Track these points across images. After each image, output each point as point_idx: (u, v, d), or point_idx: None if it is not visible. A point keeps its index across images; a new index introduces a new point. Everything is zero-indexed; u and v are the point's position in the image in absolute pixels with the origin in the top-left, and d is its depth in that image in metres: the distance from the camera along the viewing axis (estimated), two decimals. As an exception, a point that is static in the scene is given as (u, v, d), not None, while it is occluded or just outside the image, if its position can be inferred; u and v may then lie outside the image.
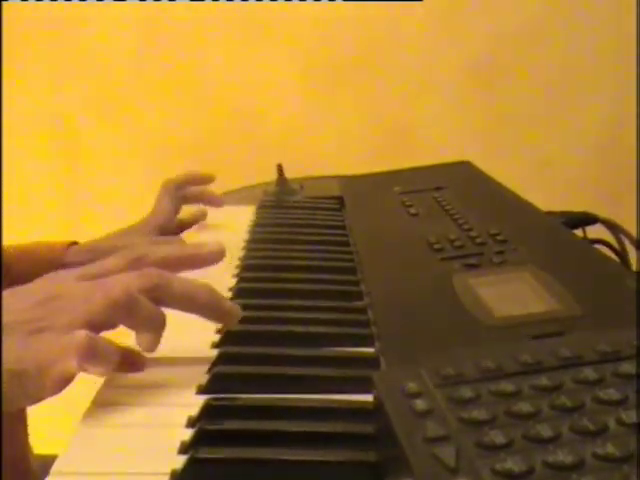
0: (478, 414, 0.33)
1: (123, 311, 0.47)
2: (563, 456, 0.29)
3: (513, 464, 0.29)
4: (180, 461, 0.41)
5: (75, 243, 0.92)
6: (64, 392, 0.46)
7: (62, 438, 0.51)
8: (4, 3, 1.64)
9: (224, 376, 0.51)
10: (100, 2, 1.67)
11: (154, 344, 0.50)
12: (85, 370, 0.45)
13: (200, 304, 0.51)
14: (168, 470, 0.41)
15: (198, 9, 1.66)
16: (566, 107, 1.68)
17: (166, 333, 0.59)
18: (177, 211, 0.97)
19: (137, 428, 0.46)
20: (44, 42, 1.73)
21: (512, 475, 0.29)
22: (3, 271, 0.77)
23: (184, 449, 0.43)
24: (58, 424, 0.85)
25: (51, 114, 1.77)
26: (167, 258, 0.54)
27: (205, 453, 0.41)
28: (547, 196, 0.87)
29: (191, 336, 0.58)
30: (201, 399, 0.47)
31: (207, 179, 0.99)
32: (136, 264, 0.52)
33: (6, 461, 0.70)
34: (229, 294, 0.67)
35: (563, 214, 0.89)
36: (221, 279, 0.70)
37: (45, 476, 0.41)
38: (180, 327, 0.60)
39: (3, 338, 0.45)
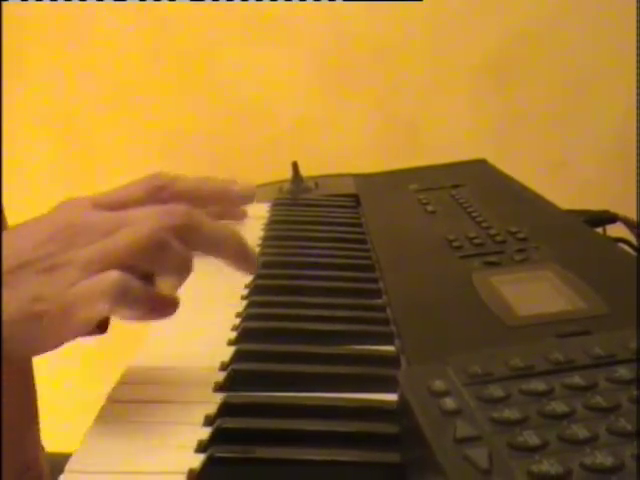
0: (510, 414, 0.32)
1: (152, 252, 0.43)
2: (602, 458, 0.28)
3: (549, 466, 0.28)
4: (197, 460, 0.40)
5: None
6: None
7: (72, 436, 0.51)
8: (4, 3, 1.63)
9: (241, 374, 0.50)
10: (112, 1, 1.67)
11: (176, 288, 0.45)
12: (115, 314, 0.42)
13: (228, 250, 0.47)
14: (185, 469, 0.40)
15: (211, 7, 1.65)
16: (581, 106, 1.66)
17: (182, 330, 0.58)
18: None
19: (153, 426, 0.45)
20: (55, 39, 1.73)
21: (549, 477, 0.27)
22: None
23: (201, 447, 0.42)
24: (68, 422, 0.84)
25: (61, 112, 1.76)
26: (193, 191, 0.49)
27: (223, 452, 0.40)
28: (562, 196, 0.85)
29: (207, 333, 0.58)
30: (218, 397, 0.46)
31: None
32: (158, 194, 0.47)
33: (20, 464, 0.69)
34: (245, 291, 0.66)
35: (583, 213, 0.88)
36: (236, 275, 0.69)
37: (56, 475, 0.40)
38: (196, 324, 0.60)
39: (15, 278, 0.41)
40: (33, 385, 0.76)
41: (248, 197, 0.53)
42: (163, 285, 0.44)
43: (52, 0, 1.68)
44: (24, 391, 0.71)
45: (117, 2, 1.67)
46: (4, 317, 0.40)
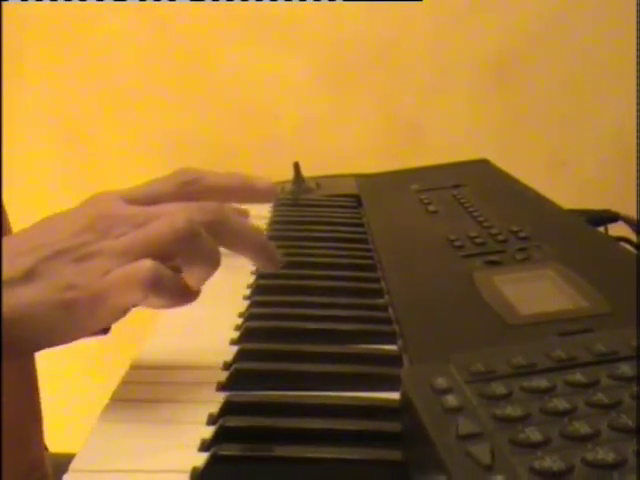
0: (512, 411, 0.32)
1: (185, 243, 0.43)
2: (604, 454, 0.28)
3: (552, 462, 0.28)
4: (201, 458, 0.40)
5: None
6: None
7: (75, 436, 0.51)
8: (4, 3, 1.64)
9: (244, 373, 0.50)
10: (112, 1, 1.67)
11: (203, 281, 0.45)
12: (145, 303, 0.42)
13: (252, 246, 0.48)
14: (189, 467, 0.40)
15: (212, 8, 1.66)
16: (582, 106, 1.66)
17: (185, 330, 0.59)
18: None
19: (156, 425, 0.45)
20: (56, 40, 1.73)
21: (551, 473, 0.28)
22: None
23: (205, 446, 0.42)
24: (71, 422, 0.84)
25: (63, 112, 1.77)
26: (220, 186, 0.50)
27: (227, 450, 0.40)
28: (563, 196, 0.85)
29: (210, 333, 0.58)
30: (221, 396, 0.46)
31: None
32: (186, 188, 0.48)
33: (27, 464, 0.69)
34: (248, 291, 0.66)
35: (584, 212, 0.88)
36: (239, 275, 0.69)
37: (59, 475, 0.40)
38: (199, 324, 0.60)
39: (48, 267, 0.42)
40: (37, 385, 0.76)
41: (272, 194, 0.54)
42: (191, 277, 0.45)
43: (52, 0, 1.68)
44: (29, 391, 0.72)
45: (118, 2, 1.67)
46: (33, 307, 0.41)
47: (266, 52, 1.68)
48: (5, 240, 0.44)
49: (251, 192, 0.52)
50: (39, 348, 0.44)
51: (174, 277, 0.43)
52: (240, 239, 0.48)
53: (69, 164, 1.79)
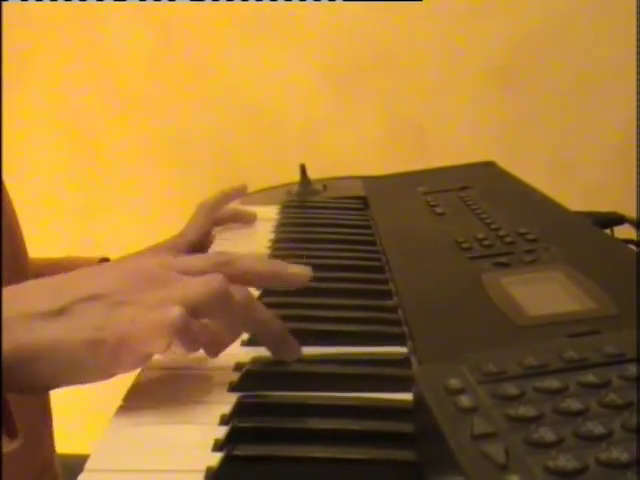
0: (525, 411, 0.32)
1: (218, 302, 0.46)
2: (617, 454, 0.28)
3: (566, 462, 0.28)
4: (215, 459, 0.41)
5: (106, 259, 0.91)
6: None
7: (86, 437, 0.51)
8: (10, 3, 1.64)
9: (255, 374, 0.50)
10: (118, 2, 1.68)
11: (227, 344, 0.50)
12: (170, 350, 0.44)
13: (273, 336, 0.50)
14: (203, 467, 0.40)
15: (218, 8, 1.66)
16: (585, 109, 1.66)
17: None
18: (209, 232, 0.95)
19: (170, 425, 0.45)
20: (62, 43, 1.74)
21: (565, 472, 0.28)
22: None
23: (218, 446, 0.42)
24: (84, 423, 0.84)
25: (68, 116, 1.77)
26: (251, 271, 0.52)
27: (241, 450, 0.41)
28: (568, 198, 0.86)
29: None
30: (233, 396, 0.47)
31: (240, 191, 0.97)
32: (221, 269, 0.49)
33: (40, 464, 0.70)
34: (257, 293, 0.67)
35: (590, 214, 0.88)
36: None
37: (70, 476, 0.41)
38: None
39: (82, 308, 0.43)
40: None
41: (303, 279, 0.55)
42: (224, 336, 0.49)
43: (52, 0, 1.69)
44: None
45: (123, 4, 1.68)
46: (59, 343, 0.42)
47: (272, 54, 1.69)
48: (53, 278, 0.46)
49: (281, 280, 0.54)
50: (60, 385, 0.45)
51: (201, 326, 0.45)
52: (262, 327, 0.50)
53: (75, 166, 1.79)
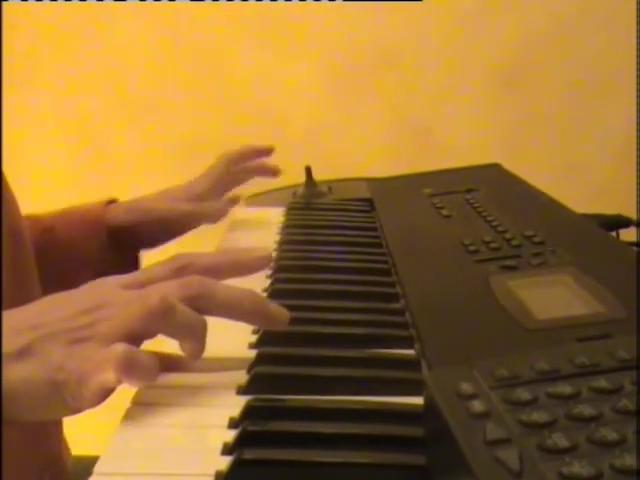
0: (538, 416, 0.32)
1: (160, 319, 0.46)
2: (632, 460, 0.28)
3: (581, 468, 0.28)
4: (223, 462, 0.41)
5: (114, 200, 0.91)
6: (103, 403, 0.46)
7: (97, 438, 0.51)
8: (4, 3, 1.64)
9: (264, 377, 0.50)
10: (124, 2, 1.68)
11: (198, 351, 0.49)
12: (124, 382, 0.44)
13: (245, 311, 0.50)
14: (212, 471, 0.40)
15: (222, 11, 1.66)
16: (591, 111, 1.66)
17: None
18: (227, 186, 0.94)
19: (178, 429, 0.45)
20: (68, 42, 1.74)
21: (580, 479, 0.28)
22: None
23: (227, 450, 0.42)
24: (93, 426, 0.84)
25: (74, 116, 1.77)
26: (212, 266, 0.52)
27: (251, 454, 0.41)
28: (573, 200, 0.86)
29: (228, 337, 0.58)
30: (241, 400, 0.47)
31: (266, 151, 0.96)
32: (181, 273, 0.51)
33: (44, 457, 0.70)
34: (264, 295, 0.67)
35: (596, 217, 0.88)
36: (255, 280, 0.69)
37: (82, 478, 0.41)
38: (217, 328, 0.60)
39: (43, 347, 0.45)
40: None
41: (265, 262, 0.56)
42: (184, 349, 0.48)
43: (52, 0, 1.69)
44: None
45: (129, 4, 1.67)
46: (26, 384, 0.44)
47: (277, 56, 1.69)
48: (7, 315, 0.47)
49: (242, 267, 0.55)
50: (33, 419, 0.47)
51: (148, 358, 0.45)
52: (229, 308, 0.50)
53: (81, 166, 1.79)
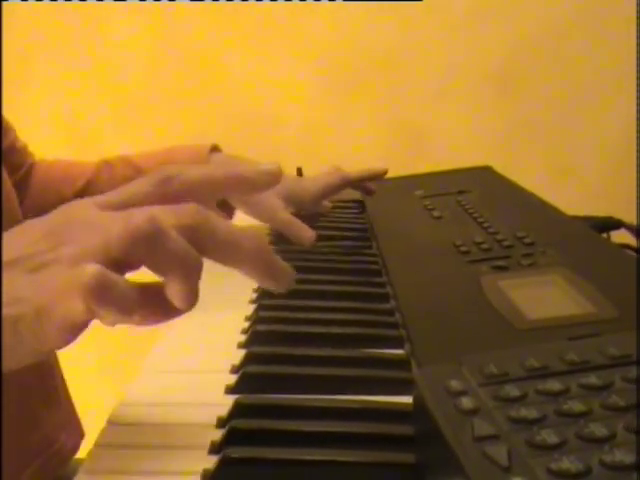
0: (527, 413, 0.32)
1: (145, 244, 0.36)
2: (621, 456, 0.28)
3: (569, 464, 0.28)
4: (211, 461, 0.40)
5: (216, 148, 0.88)
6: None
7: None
8: (11, 2, 1.64)
9: (252, 376, 0.50)
10: (117, 2, 1.67)
11: (188, 296, 0.37)
12: (96, 314, 0.35)
13: (246, 255, 0.39)
14: (199, 470, 0.40)
15: (217, 12, 1.66)
16: (584, 114, 1.66)
17: (192, 333, 0.59)
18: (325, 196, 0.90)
19: (166, 427, 0.45)
20: (59, 44, 1.73)
21: (569, 475, 0.28)
22: None
23: (215, 449, 0.42)
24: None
25: (68, 118, 1.77)
26: (205, 180, 0.42)
27: (238, 453, 0.40)
28: (566, 203, 0.86)
29: (217, 336, 0.58)
30: (230, 399, 0.46)
31: (383, 175, 0.93)
32: (165, 187, 0.41)
33: (37, 441, 0.70)
34: (254, 295, 0.66)
35: (587, 219, 0.88)
36: (246, 280, 0.69)
37: None
38: (205, 327, 0.60)
39: (5, 276, 0.37)
40: (52, 367, 0.76)
41: (273, 178, 0.43)
42: (171, 291, 0.37)
43: (52, 0, 1.68)
44: (38, 373, 0.71)
45: (119, 5, 1.67)
46: None
47: (270, 57, 1.69)
48: None
49: (239, 182, 0.43)
50: (11, 365, 0.38)
51: (125, 283, 0.36)
52: (229, 249, 0.39)
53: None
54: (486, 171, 1.05)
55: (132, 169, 0.88)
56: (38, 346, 0.36)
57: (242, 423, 0.44)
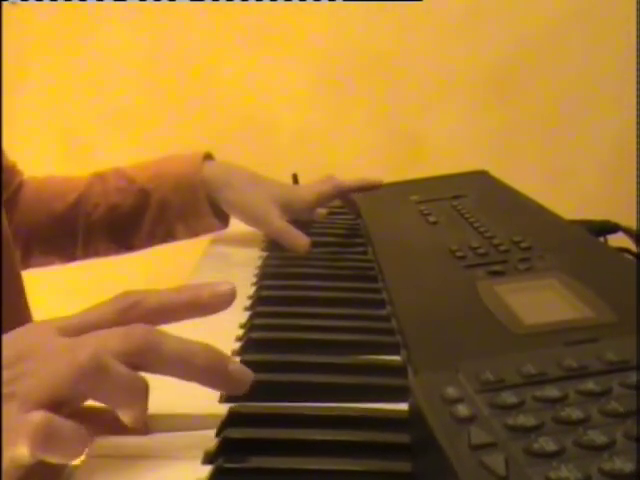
0: (525, 420, 0.31)
1: (89, 380, 0.38)
2: (621, 464, 0.27)
3: (568, 472, 0.27)
4: (205, 471, 0.40)
5: (209, 156, 0.89)
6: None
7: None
8: (4, 4, 1.64)
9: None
10: (112, 2, 1.67)
11: (138, 418, 0.40)
12: (43, 458, 0.37)
13: (198, 369, 0.42)
14: (193, 480, 0.39)
15: (211, 14, 1.66)
16: (580, 118, 1.66)
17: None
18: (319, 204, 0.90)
19: (159, 437, 0.44)
20: (53, 48, 1.73)
21: (568, 484, 0.27)
22: None
23: (208, 458, 0.41)
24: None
25: (60, 123, 1.76)
26: (163, 306, 0.44)
27: (231, 462, 0.40)
28: (562, 207, 0.85)
29: (211, 343, 0.57)
30: (224, 408, 0.46)
31: (378, 186, 0.93)
32: (128, 313, 0.43)
33: None
34: (248, 302, 0.66)
35: (584, 223, 0.88)
36: (240, 287, 0.68)
37: None
38: (199, 335, 0.59)
39: None
40: None
41: (227, 299, 0.46)
42: (122, 416, 0.41)
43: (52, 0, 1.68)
44: None
45: (114, 7, 1.67)
46: None
47: (266, 62, 1.68)
48: None
49: (199, 307, 0.46)
50: None
51: (73, 430, 0.37)
52: (178, 365, 0.41)
53: (68, 173, 1.78)
54: (482, 176, 1.04)
55: (125, 181, 0.88)
56: None
57: (236, 432, 0.43)
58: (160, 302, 0.45)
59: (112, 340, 0.40)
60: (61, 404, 0.38)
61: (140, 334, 0.41)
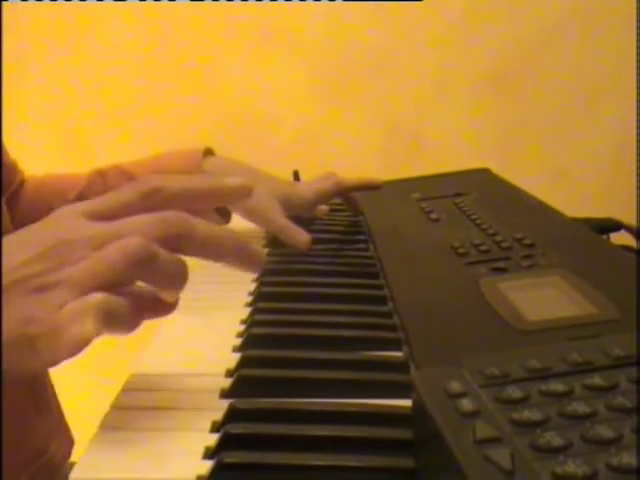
0: (530, 415, 0.31)
1: (141, 268, 0.42)
2: (629, 458, 0.27)
3: (575, 467, 0.27)
4: (205, 466, 0.39)
5: (210, 151, 0.88)
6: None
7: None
8: (4, 3, 1.63)
9: (248, 380, 0.49)
10: (112, 2, 1.67)
11: (175, 298, 0.46)
12: (103, 333, 0.41)
13: (227, 251, 0.46)
14: (193, 475, 0.39)
15: (210, 13, 1.65)
16: (581, 115, 1.66)
17: (187, 337, 0.58)
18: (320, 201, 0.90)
19: (160, 432, 0.44)
20: (52, 45, 1.73)
21: (575, 478, 0.27)
22: None
23: (209, 454, 0.41)
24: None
25: (59, 119, 1.76)
26: (186, 192, 0.47)
27: (232, 458, 0.39)
28: (563, 204, 0.85)
29: (212, 340, 0.57)
30: (225, 403, 0.45)
31: (378, 187, 0.92)
32: (151, 198, 0.46)
33: (29, 451, 0.69)
34: (250, 298, 0.65)
35: (587, 220, 0.87)
36: (241, 283, 0.68)
37: None
38: (200, 331, 0.59)
39: (6, 297, 0.41)
40: (43, 375, 0.75)
41: (245, 191, 0.49)
42: (162, 296, 0.45)
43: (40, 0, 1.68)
44: (28, 382, 0.71)
45: (113, 6, 1.66)
46: (8, 338, 0.41)
47: (266, 61, 1.68)
48: None
49: (221, 193, 0.49)
50: (5, 380, 0.42)
51: (128, 308, 0.42)
52: (209, 247, 0.46)
53: (67, 169, 1.78)
54: (484, 173, 1.04)
55: (126, 178, 0.88)
56: (52, 359, 0.41)
57: (237, 427, 0.42)
58: (184, 189, 0.47)
59: (153, 227, 0.43)
60: (110, 288, 0.41)
61: (177, 220, 0.44)
